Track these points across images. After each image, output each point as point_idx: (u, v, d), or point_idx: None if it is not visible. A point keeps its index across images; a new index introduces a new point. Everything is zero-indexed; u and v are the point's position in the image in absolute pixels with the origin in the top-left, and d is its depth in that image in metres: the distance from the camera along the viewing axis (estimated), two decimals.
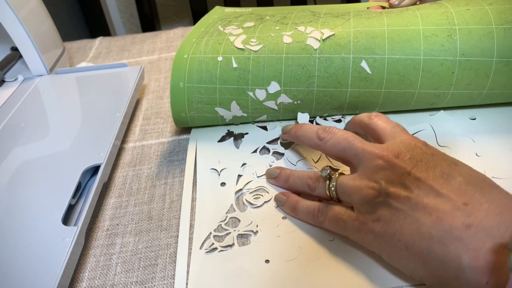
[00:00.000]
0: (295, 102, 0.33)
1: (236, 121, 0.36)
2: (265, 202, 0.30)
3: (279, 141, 0.35)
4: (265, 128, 0.36)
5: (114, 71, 0.45)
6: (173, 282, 0.25)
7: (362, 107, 0.34)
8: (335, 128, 0.28)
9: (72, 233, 0.26)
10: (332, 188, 0.26)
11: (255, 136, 0.35)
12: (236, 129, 0.36)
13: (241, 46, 0.33)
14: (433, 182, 0.22)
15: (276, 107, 0.34)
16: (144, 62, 0.53)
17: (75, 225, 0.27)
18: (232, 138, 0.35)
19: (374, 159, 0.24)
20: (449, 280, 0.20)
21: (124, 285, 0.26)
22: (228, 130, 0.36)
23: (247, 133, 0.36)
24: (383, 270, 0.24)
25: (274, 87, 0.32)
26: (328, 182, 0.26)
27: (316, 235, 0.27)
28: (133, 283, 0.26)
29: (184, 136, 0.38)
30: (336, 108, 0.34)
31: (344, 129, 0.31)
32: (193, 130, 0.37)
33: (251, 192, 0.30)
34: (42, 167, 0.32)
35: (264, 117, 0.35)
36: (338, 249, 0.26)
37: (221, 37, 0.35)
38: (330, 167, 0.27)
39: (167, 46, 0.57)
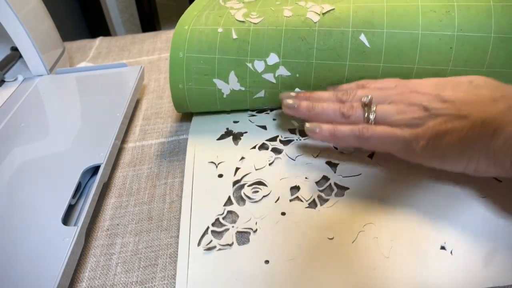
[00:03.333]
0: (294, 75, 0.33)
1: (233, 100, 0.36)
2: (263, 196, 0.29)
3: (278, 139, 0.35)
4: (264, 127, 0.36)
5: (114, 71, 0.45)
6: (173, 282, 0.25)
7: None
8: (353, 90, 0.30)
9: (72, 233, 0.26)
10: (373, 114, 0.28)
11: (254, 135, 0.35)
12: (235, 128, 0.36)
13: (241, 19, 0.34)
14: (465, 94, 0.25)
15: (274, 80, 0.34)
16: (144, 62, 0.53)
17: (75, 225, 0.27)
18: (231, 137, 0.35)
19: (403, 94, 0.28)
20: (496, 151, 0.23)
21: (124, 285, 0.26)
22: (227, 129, 0.36)
23: (246, 132, 0.36)
24: (382, 268, 0.24)
25: (273, 58, 0.33)
26: (366, 109, 0.28)
27: (315, 232, 0.27)
28: (133, 283, 0.26)
29: (184, 136, 0.38)
30: (335, 84, 0.34)
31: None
32: (192, 128, 0.37)
33: (250, 185, 0.30)
34: (42, 167, 0.32)
35: (261, 94, 0.35)
36: (337, 247, 0.26)
37: (222, 11, 0.36)
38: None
39: (167, 46, 0.57)
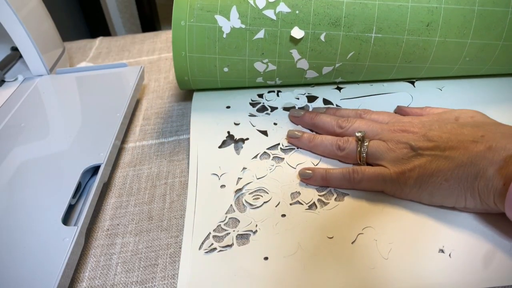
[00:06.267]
0: (294, 12, 0.35)
1: (233, 42, 0.36)
2: (264, 202, 0.30)
3: (279, 147, 0.35)
4: (265, 133, 0.36)
5: (114, 71, 0.45)
6: (173, 282, 0.25)
7: (359, 22, 0.35)
8: (352, 118, 0.33)
9: (72, 233, 0.26)
10: (365, 149, 0.30)
11: (256, 142, 0.35)
12: (237, 133, 0.36)
13: None
14: (449, 134, 0.27)
15: (274, 17, 0.35)
16: (144, 62, 0.53)
17: (75, 225, 0.27)
18: (232, 144, 0.35)
19: (394, 132, 0.30)
20: (480, 191, 0.25)
21: (124, 285, 0.26)
22: (229, 133, 0.36)
23: (247, 139, 0.36)
24: (381, 268, 0.24)
25: None
26: (359, 143, 0.30)
27: (315, 232, 0.27)
28: (133, 283, 0.26)
29: (184, 136, 0.38)
30: (333, 23, 0.35)
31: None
32: (192, 132, 0.37)
33: (251, 193, 0.30)
34: (42, 167, 0.32)
35: (261, 34, 0.35)
36: (337, 246, 0.26)
37: None
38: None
39: (167, 46, 0.57)
